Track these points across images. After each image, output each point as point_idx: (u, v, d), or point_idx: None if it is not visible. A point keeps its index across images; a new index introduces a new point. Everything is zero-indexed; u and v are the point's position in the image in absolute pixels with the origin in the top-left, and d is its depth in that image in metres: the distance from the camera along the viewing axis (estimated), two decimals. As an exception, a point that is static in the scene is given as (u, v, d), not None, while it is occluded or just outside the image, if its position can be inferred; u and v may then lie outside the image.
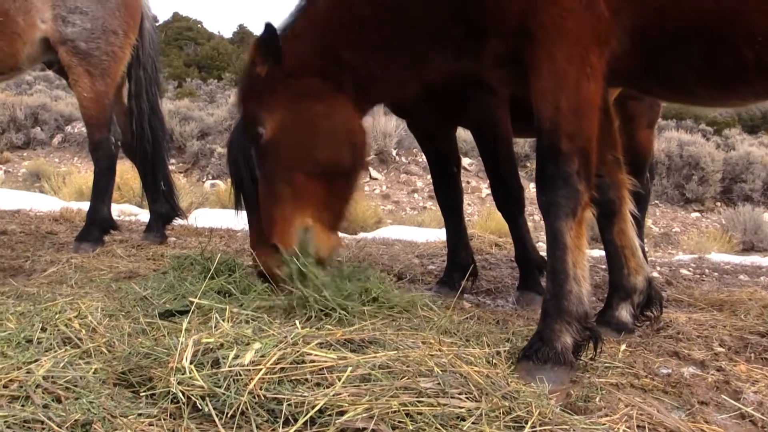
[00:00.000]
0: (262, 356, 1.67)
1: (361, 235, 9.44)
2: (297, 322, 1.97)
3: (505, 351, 2.39)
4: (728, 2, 2.35)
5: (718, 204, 14.11)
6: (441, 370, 1.68)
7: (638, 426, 1.79)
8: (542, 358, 2.20)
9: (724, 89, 2.70)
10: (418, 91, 3.11)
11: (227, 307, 2.17)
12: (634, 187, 4.86)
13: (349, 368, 1.61)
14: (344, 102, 2.86)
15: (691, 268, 7.07)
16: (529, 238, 4.00)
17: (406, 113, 4.15)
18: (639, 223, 5.21)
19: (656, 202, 14.16)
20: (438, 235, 8.24)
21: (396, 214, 13.62)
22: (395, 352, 1.77)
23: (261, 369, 1.61)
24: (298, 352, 1.67)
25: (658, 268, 6.71)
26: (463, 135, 9.41)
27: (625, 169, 3.02)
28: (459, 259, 4.01)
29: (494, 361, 2.28)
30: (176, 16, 46.25)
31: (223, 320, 1.93)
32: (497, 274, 5.16)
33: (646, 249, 11.87)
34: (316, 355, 1.67)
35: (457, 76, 3.02)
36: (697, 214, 13.86)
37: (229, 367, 1.64)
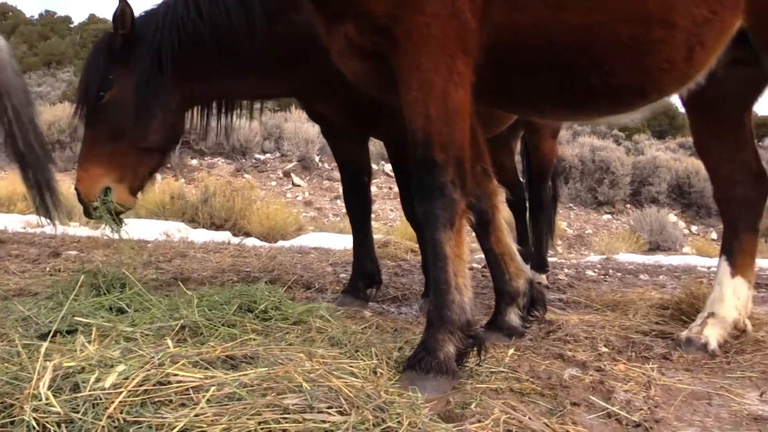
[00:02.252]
0: (126, 378, 1.63)
1: (280, 243, 9.37)
2: (169, 341, 1.92)
3: (393, 361, 2.43)
4: (576, 33, 2.49)
5: (628, 206, 14.79)
6: (311, 385, 1.68)
7: (506, 431, 1.84)
8: (425, 368, 2.23)
9: (573, 109, 2.88)
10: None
11: (94, 329, 2.10)
12: (537, 198, 5.09)
13: (213, 387, 1.59)
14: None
15: (596, 270, 7.35)
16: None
17: (320, 119, 4.15)
18: (549, 228, 5.44)
19: (570, 205, 14.71)
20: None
21: (318, 220, 13.57)
22: (265, 369, 1.75)
23: (122, 392, 1.57)
24: (163, 372, 1.63)
25: (566, 270, 6.96)
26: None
27: (496, 178, 3.11)
28: (364, 267, 4.04)
29: (380, 371, 2.31)
30: (92, 18, 44.56)
31: (89, 342, 1.87)
32: (407, 281, 5.22)
33: (560, 251, 12.32)
34: (182, 375, 1.64)
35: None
36: (609, 216, 14.48)
37: (90, 391, 1.59)
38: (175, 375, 1.63)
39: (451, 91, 2.39)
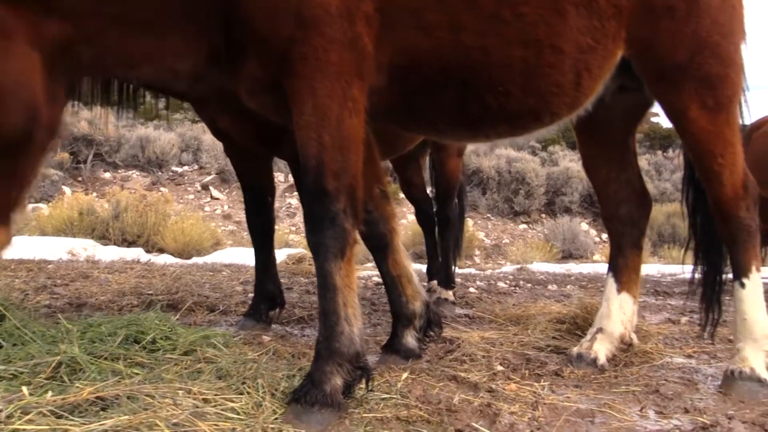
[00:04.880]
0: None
1: (194, 260, 9.12)
2: (24, 389, 1.81)
3: (280, 392, 2.37)
4: (474, 55, 2.55)
5: (543, 216, 15.27)
6: (174, 432, 1.61)
7: (384, 465, 1.83)
8: (310, 401, 2.19)
9: (472, 130, 2.93)
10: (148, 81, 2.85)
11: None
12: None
13: (63, 441, 1.50)
14: (27, 48, 2.17)
15: (508, 281, 7.53)
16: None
17: (223, 137, 4.04)
18: (457, 244, 5.51)
19: (488, 215, 15.04)
20: (279, 256, 8.16)
21: (237, 234, 13.31)
22: (126, 417, 1.67)
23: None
24: (10, 428, 1.53)
25: (478, 283, 7.08)
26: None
27: (392, 202, 3.12)
28: (266, 290, 3.96)
29: (265, 404, 2.25)
30: None
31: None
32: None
33: (477, 261, 12.55)
34: (32, 429, 1.54)
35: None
36: (525, 226, 14.90)
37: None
38: (24, 430, 1.53)
39: (346, 118, 2.36)
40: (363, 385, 2.43)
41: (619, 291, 3.33)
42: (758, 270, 3.02)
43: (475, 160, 15.85)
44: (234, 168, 4.16)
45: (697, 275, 3.27)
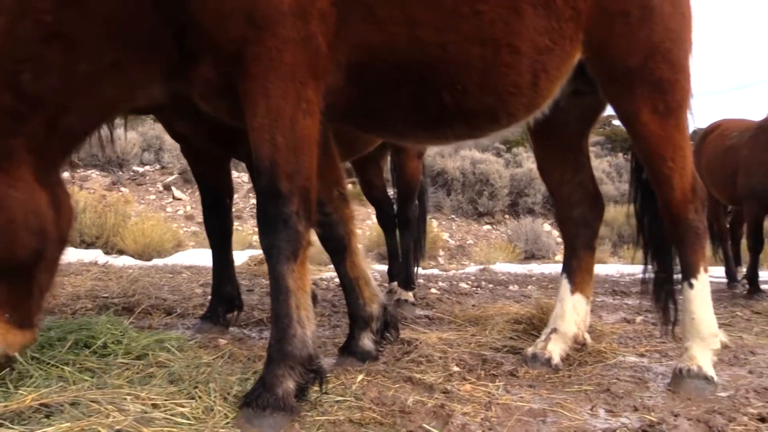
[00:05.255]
0: None
1: (154, 261, 8.98)
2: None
3: (232, 396, 2.35)
4: (431, 51, 2.55)
5: (506, 217, 15.43)
6: (116, 439, 1.59)
7: (334, 468, 1.82)
8: (262, 405, 2.17)
9: (430, 131, 2.93)
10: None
11: None
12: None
13: (0, 451, 1.46)
14: (19, 173, 2.26)
15: (470, 281, 7.59)
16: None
17: (180, 138, 3.99)
18: (418, 246, 5.53)
19: (452, 216, 15.14)
20: (239, 258, 8.07)
21: (200, 235, 13.10)
22: (67, 424, 1.63)
23: None
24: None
25: (440, 284, 7.13)
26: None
27: (350, 204, 3.11)
28: (224, 292, 3.92)
29: (217, 408, 2.23)
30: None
31: None
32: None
33: (442, 261, 12.60)
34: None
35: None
36: (488, 227, 15.03)
37: None
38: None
39: (300, 119, 2.34)
40: (317, 388, 2.42)
41: (572, 292, 3.38)
42: (706, 271, 3.10)
43: (440, 162, 15.94)
44: (191, 169, 4.11)
45: (647, 275, 3.34)
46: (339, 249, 3.12)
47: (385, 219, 5.40)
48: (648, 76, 2.95)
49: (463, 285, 7.15)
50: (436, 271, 9.40)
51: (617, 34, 2.91)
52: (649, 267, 3.36)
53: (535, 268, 10.19)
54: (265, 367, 2.31)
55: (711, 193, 7.66)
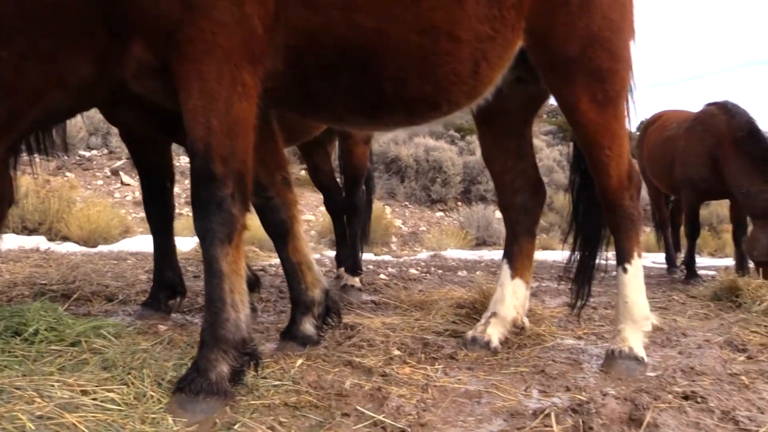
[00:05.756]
0: None
1: (100, 248, 8.76)
2: None
3: (167, 382, 2.33)
4: (369, 37, 2.54)
5: (459, 204, 15.59)
6: (37, 425, 1.55)
7: (264, 451, 1.83)
8: (195, 390, 2.16)
9: (369, 117, 2.93)
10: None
11: None
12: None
13: None
14: None
15: (420, 267, 7.65)
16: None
17: (117, 122, 3.89)
18: (364, 231, 5.54)
19: (406, 203, 15.21)
20: (189, 244, 7.95)
21: (149, 221, 12.85)
22: (-15, 410, 1.59)
23: None
24: None
25: (389, 270, 7.17)
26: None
27: (293, 188, 3.11)
28: (166, 278, 3.86)
29: (150, 394, 2.21)
30: None
31: None
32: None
33: (395, 248, 12.65)
34: None
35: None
36: (441, 214, 15.16)
37: None
38: None
39: (235, 102, 2.32)
40: (253, 372, 2.42)
41: (512, 277, 3.45)
42: (640, 256, 3.20)
43: (393, 149, 15.97)
44: (130, 153, 4.01)
45: (574, 259, 3.43)
46: (281, 233, 3.11)
47: (332, 205, 5.39)
48: (587, 64, 3.00)
49: (412, 271, 7.21)
50: (387, 258, 9.44)
51: (557, 23, 2.94)
52: (578, 253, 3.44)
53: (486, 254, 10.33)
54: (199, 351, 2.30)
55: (652, 182, 7.91)
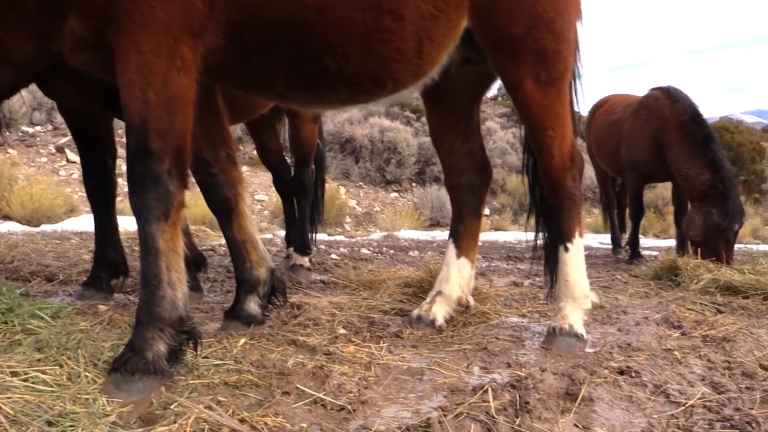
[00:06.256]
0: None
1: (43, 227, 8.50)
2: None
3: (102, 362, 2.28)
4: (310, 13, 2.51)
5: (413, 185, 15.64)
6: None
7: (199, 430, 1.81)
8: (131, 370, 2.12)
9: (312, 94, 2.90)
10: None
11: None
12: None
13: None
14: None
15: (372, 248, 7.67)
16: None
17: (55, 95, 3.74)
18: (316, 210, 5.51)
19: (360, 183, 15.18)
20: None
21: (96, 201, 12.51)
22: None
23: None
24: None
25: (341, 249, 7.16)
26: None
27: (238, 165, 3.06)
28: (107, 257, 3.77)
29: (85, 374, 2.16)
30: None
31: None
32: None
33: (348, 228, 12.62)
34: None
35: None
36: (396, 194, 15.20)
37: None
38: None
39: (174, 77, 2.26)
40: (194, 351, 2.38)
41: (458, 256, 3.48)
42: (581, 236, 3.26)
43: (348, 129, 15.88)
44: (68, 127, 3.88)
45: (539, 241, 3.48)
46: (225, 211, 3.06)
47: (281, 184, 5.32)
48: (531, 45, 3.02)
49: (364, 251, 7.22)
50: (341, 238, 9.43)
51: (502, 3, 2.95)
52: (541, 234, 3.49)
53: (439, 234, 10.41)
54: (134, 330, 2.26)
55: (599, 165, 8.08)
